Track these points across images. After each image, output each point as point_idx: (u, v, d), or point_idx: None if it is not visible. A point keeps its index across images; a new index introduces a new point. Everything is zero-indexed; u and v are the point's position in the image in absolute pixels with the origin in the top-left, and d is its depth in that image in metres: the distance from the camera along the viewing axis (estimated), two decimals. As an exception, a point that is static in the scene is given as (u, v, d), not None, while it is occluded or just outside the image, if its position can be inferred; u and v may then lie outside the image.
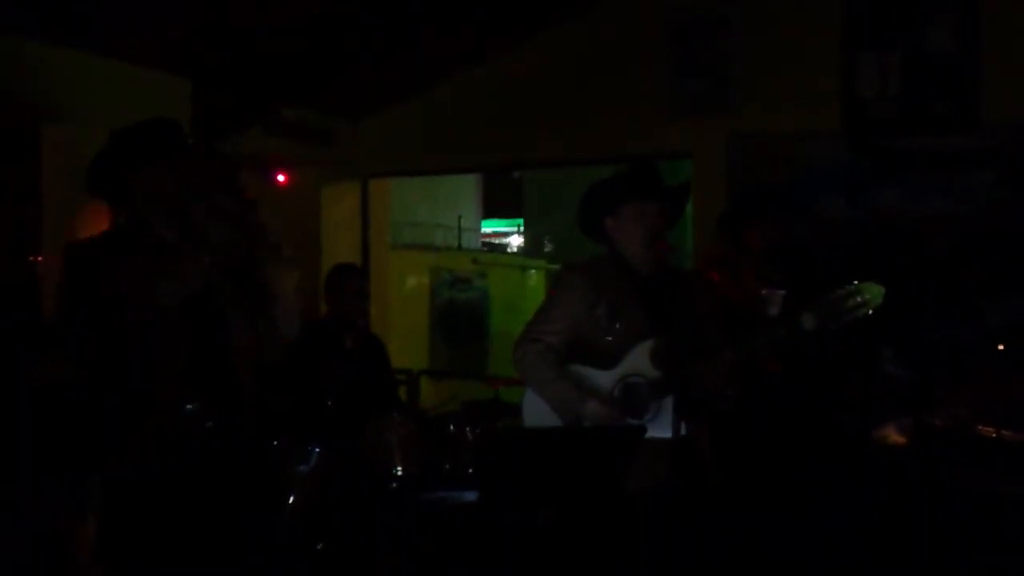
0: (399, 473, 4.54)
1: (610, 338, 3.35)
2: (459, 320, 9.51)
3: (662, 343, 3.28)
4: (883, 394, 4.68)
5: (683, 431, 3.15)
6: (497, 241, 12.59)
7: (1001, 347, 4.68)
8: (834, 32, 5.57)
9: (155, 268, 2.71)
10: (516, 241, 12.67)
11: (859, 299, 3.13)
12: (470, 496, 4.39)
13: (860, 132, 5.52)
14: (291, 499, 4.26)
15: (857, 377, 4.71)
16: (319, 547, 4.22)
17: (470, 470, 4.69)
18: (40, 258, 5.98)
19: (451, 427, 4.86)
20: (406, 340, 8.16)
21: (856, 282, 3.15)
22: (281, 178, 6.74)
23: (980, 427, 4.23)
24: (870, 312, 3.14)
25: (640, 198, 3.37)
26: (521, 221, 12.42)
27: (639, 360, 3.30)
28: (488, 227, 12.34)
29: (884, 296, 3.13)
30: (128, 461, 2.77)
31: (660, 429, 3.18)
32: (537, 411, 3.42)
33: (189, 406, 2.76)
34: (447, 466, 4.72)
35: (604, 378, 3.34)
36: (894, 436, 4.47)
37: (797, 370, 4.14)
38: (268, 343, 2.85)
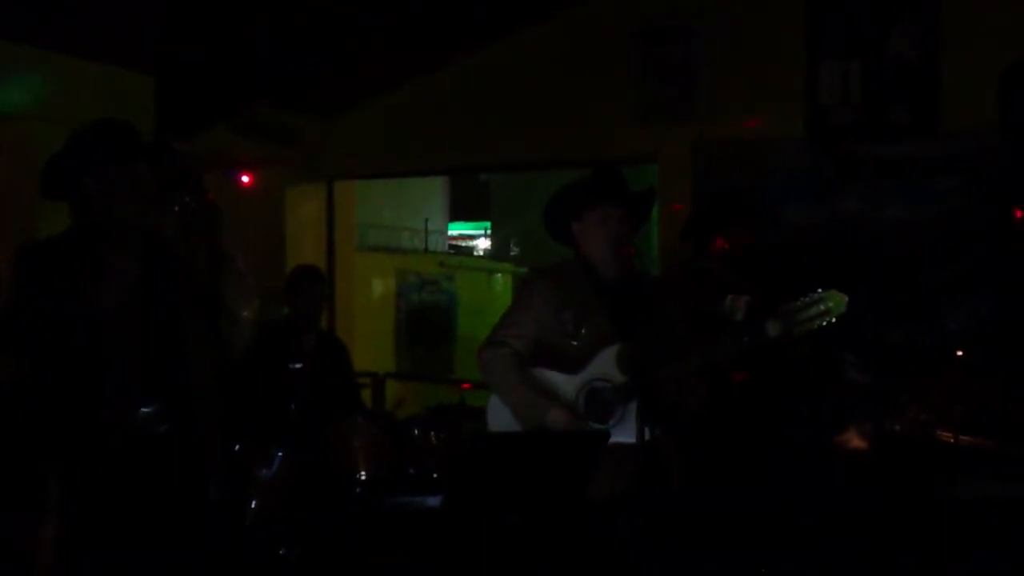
0: (363, 478, 4.51)
1: (575, 343, 3.37)
2: (426, 323, 9.49)
3: (628, 348, 3.29)
4: (844, 399, 4.72)
5: (648, 436, 3.14)
6: (464, 244, 12.57)
7: (960, 352, 4.73)
8: (797, 39, 5.62)
9: (93, 270, 2.70)
10: (483, 244, 12.66)
11: (822, 307, 3.15)
12: (434, 501, 4.38)
13: (822, 138, 5.58)
14: (253, 504, 4.22)
15: (819, 383, 4.74)
16: (282, 552, 4.18)
17: (435, 475, 4.67)
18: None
19: (416, 431, 4.85)
20: (372, 343, 8.12)
21: (820, 290, 3.17)
22: (245, 179, 6.68)
23: (940, 432, 4.27)
24: (833, 320, 3.16)
25: (605, 203, 3.39)
26: (488, 224, 12.41)
27: (605, 364, 3.31)
28: (455, 230, 12.31)
29: (846, 303, 3.15)
30: (83, 464, 2.74)
31: (625, 434, 3.20)
32: (502, 415, 3.43)
33: (144, 410, 2.74)
34: (411, 471, 4.70)
35: (569, 382, 3.35)
36: (855, 441, 4.50)
37: (762, 378, 4.16)
38: (221, 353, 2.83)
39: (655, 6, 5.92)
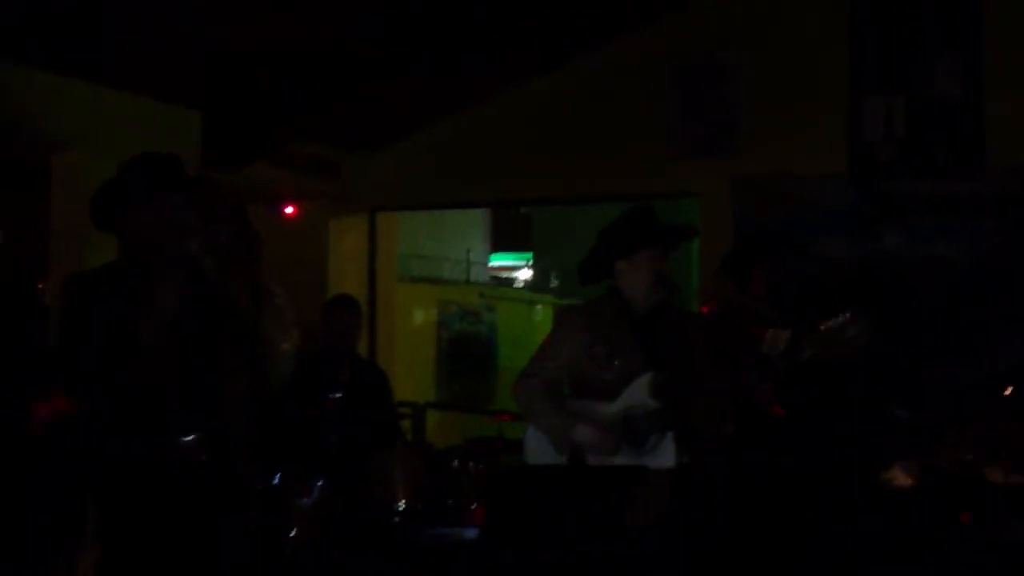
0: (402, 507, 4.52)
1: (609, 375, 3.50)
2: (466, 354, 9.50)
3: (662, 377, 3.43)
4: (889, 436, 4.67)
5: (684, 461, 3.33)
6: (505, 275, 12.57)
7: (1007, 391, 4.66)
8: (839, 76, 5.61)
9: (136, 301, 2.74)
10: (524, 275, 12.66)
11: (851, 331, 3.25)
12: (471, 533, 4.37)
13: (865, 175, 5.55)
14: (293, 533, 4.25)
15: (864, 420, 4.70)
16: (320, 581, 4.19)
17: (473, 506, 4.66)
18: (43, 285, 6.02)
19: (455, 462, 4.85)
20: (412, 373, 8.15)
21: (848, 313, 3.27)
22: (289, 210, 6.77)
23: (986, 470, 4.22)
24: (861, 342, 3.23)
25: (650, 246, 3.55)
26: (530, 255, 12.40)
27: (639, 393, 3.44)
28: (496, 260, 12.33)
29: (875, 329, 3.23)
30: (124, 493, 2.78)
31: (660, 459, 3.35)
32: (539, 445, 3.57)
33: (184, 439, 2.78)
34: (450, 501, 4.70)
35: (606, 410, 3.48)
36: (901, 478, 4.46)
37: (801, 413, 4.14)
38: (259, 387, 2.87)
39: (696, 43, 5.95)
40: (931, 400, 4.93)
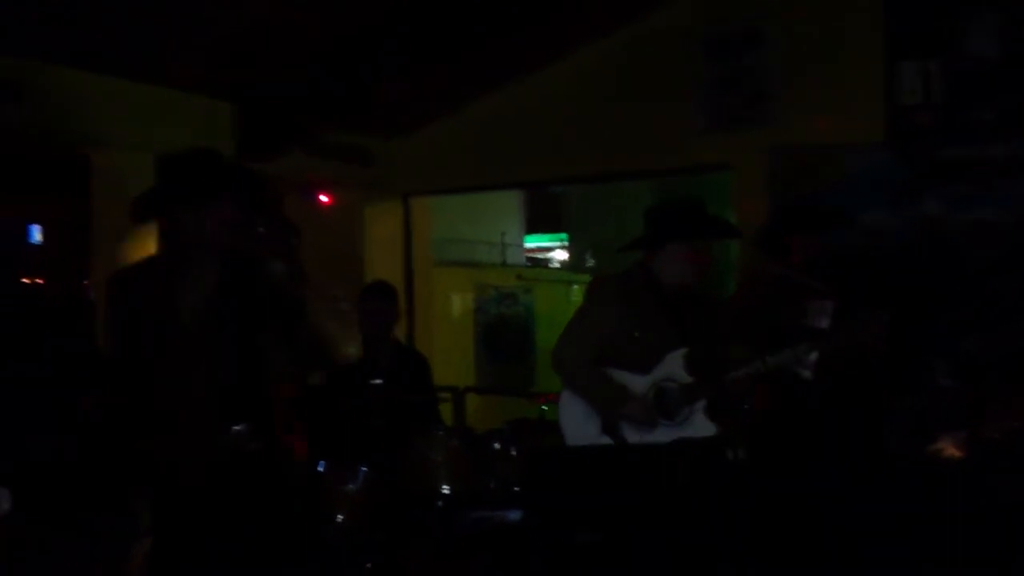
0: (445, 492, 4.54)
1: (640, 346, 3.58)
2: (504, 336, 9.49)
3: (695, 351, 3.54)
4: (936, 407, 4.62)
5: (715, 433, 3.49)
6: (541, 256, 12.54)
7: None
8: (873, 41, 5.51)
9: (181, 294, 2.76)
10: (561, 256, 12.62)
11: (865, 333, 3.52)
12: (514, 515, 4.39)
13: (903, 141, 5.45)
14: (339, 519, 4.29)
15: (911, 391, 4.66)
16: (368, 567, 4.23)
17: (516, 488, 4.68)
18: (89, 283, 6.10)
19: (496, 445, 4.86)
20: (451, 357, 8.16)
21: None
22: (324, 199, 6.80)
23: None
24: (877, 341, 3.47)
25: (696, 239, 3.64)
26: (565, 236, 12.37)
27: (673, 366, 3.55)
28: (532, 242, 12.30)
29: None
30: (177, 483, 2.81)
31: (692, 430, 3.50)
32: (574, 414, 3.64)
33: (235, 428, 2.80)
34: (492, 485, 4.71)
35: (638, 382, 3.57)
36: (949, 450, 4.41)
37: (845, 385, 4.11)
38: (304, 376, 2.90)
39: (725, 13, 5.88)
40: (977, 369, 4.85)
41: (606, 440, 3.55)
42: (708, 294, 3.83)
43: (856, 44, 5.59)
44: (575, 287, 10.45)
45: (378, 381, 4.71)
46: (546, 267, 11.73)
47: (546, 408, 5.38)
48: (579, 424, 3.61)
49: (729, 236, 4.02)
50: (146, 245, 5.11)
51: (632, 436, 3.53)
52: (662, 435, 3.50)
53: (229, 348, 2.87)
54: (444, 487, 4.54)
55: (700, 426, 3.50)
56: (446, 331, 8.36)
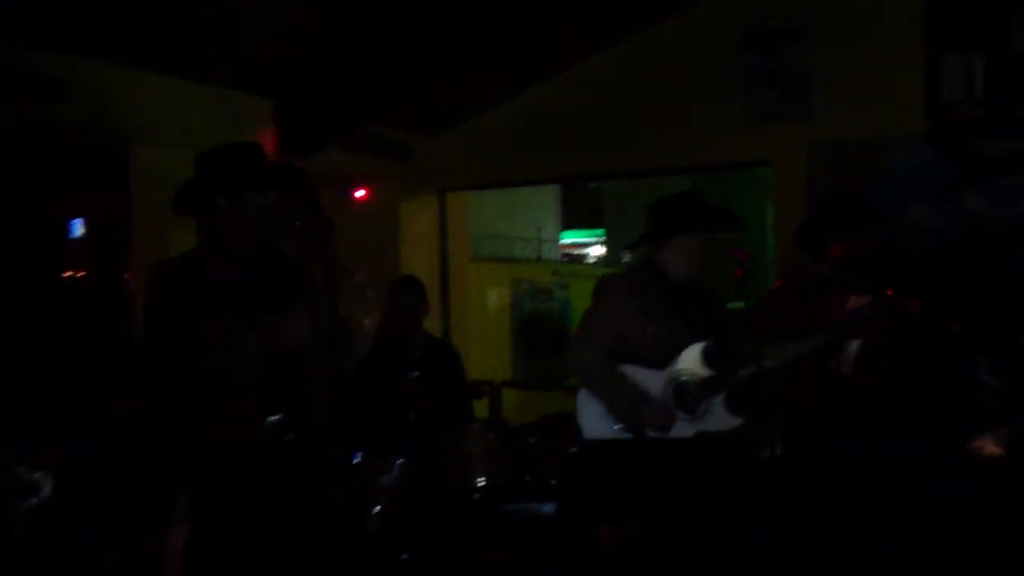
0: (480, 484, 4.55)
1: (655, 341, 3.61)
2: (540, 331, 9.50)
3: (713, 345, 3.57)
4: (978, 404, 4.56)
5: (735, 426, 3.53)
6: (577, 252, 12.54)
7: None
8: (914, 35, 5.46)
9: (220, 285, 2.77)
10: (596, 252, 12.61)
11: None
12: (549, 508, 4.39)
13: (945, 136, 5.39)
14: (375, 510, 4.32)
15: (953, 388, 4.60)
16: (403, 558, 4.26)
17: (552, 482, 4.68)
18: (130, 276, 6.18)
19: (531, 439, 4.86)
20: (487, 352, 8.18)
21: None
22: (360, 194, 6.84)
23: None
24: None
25: (702, 231, 3.68)
26: (602, 232, 12.35)
27: (690, 361, 3.58)
28: (568, 238, 12.30)
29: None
30: (213, 474, 2.84)
31: (711, 424, 3.54)
32: (592, 410, 3.69)
33: (271, 419, 2.83)
34: (527, 478, 4.71)
35: (655, 377, 3.60)
36: (991, 447, 4.35)
37: (891, 383, 4.06)
38: (340, 366, 2.91)
39: (767, 5, 5.84)
40: (1021, 365, 4.78)
41: (624, 435, 3.58)
42: (710, 287, 3.85)
43: (897, 38, 5.53)
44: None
45: (416, 374, 4.75)
46: (582, 263, 11.73)
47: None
48: (597, 421, 3.65)
49: (732, 228, 3.98)
50: (185, 241, 5.19)
51: (652, 431, 3.55)
52: (681, 430, 3.53)
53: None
54: (479, 479, 4.55)
55: (719, 420, 3.54)
56: (482, 326, 8.38)
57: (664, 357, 3.60)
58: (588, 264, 11.81)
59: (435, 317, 6.60)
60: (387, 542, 4.26)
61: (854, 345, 3.82)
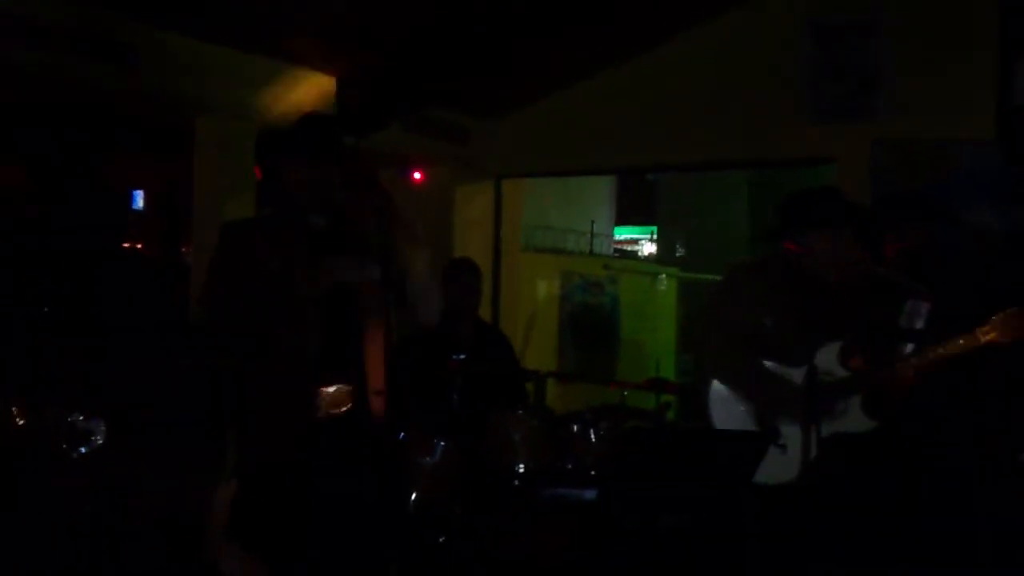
0: (521, 470, 4.55)
1: (791, 337, 3.44)
2: (589, 325, 9.47)
3: (851, 344, 3.41)
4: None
5: (871, 428, 3.36)
6: (629, 248, 12.50)
7: None
8: (987, 37, 5.34)
9: (302, 257, 2.78)
10: (648, 248, 12.56)
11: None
12: (591, 494, 4.37)
13: (1014, 141, 5.27)
14: (416, 492, 4.32)
15: (1007, 399, 4.51)
16: (442, 540, 4.26)
17: (592, 472, 4.66)
18: (188, 249, 6.27)
19: (575, 427, 4.84)
20: (535, 343, 8.15)
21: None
22: (417, 176, 6.86)
23: None
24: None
25: (839, 225, 3.50)
26: (654, 229, 12.30)
27: (827, 359, 3.41)
28: (621, 234, 12.27)
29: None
30: (265, 444, 2.85)
31: (848, 425, 3.39)
32: (728, 408, 3.52)
33: (325, 389, 2.83)
34: (569, 465, 4.70)
35: (792, 376, 3.43)
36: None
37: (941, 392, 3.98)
38: (400, 329, 2.90)
39: (837, 0, 5.75)
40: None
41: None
42: (850, 283, 3.63)
43: (970, 39, 5.42)
44: (662, 277, 10.39)
45: (461, 356, 4.74)
46: (633, 258, 11.69)
47: (626, 395, 5.35)
48: (732, 420, 3.51)
49: (869, 226, 3.85)
50: (242, 212, 5.24)
51: (789, 426, 3.39)
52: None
53: (330, 315, 2.90)
54: (521, 465, 4.54)
55: (856, 421, 3.40)
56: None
57: (803, 355, 3.39)
58: (639, 260, 11.76)
59: (485, 305, 6.59)
60: (425, 525, 4.27)
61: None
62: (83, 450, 2.12)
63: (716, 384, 3.58)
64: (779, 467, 3.34)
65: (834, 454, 3.30)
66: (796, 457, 3.29)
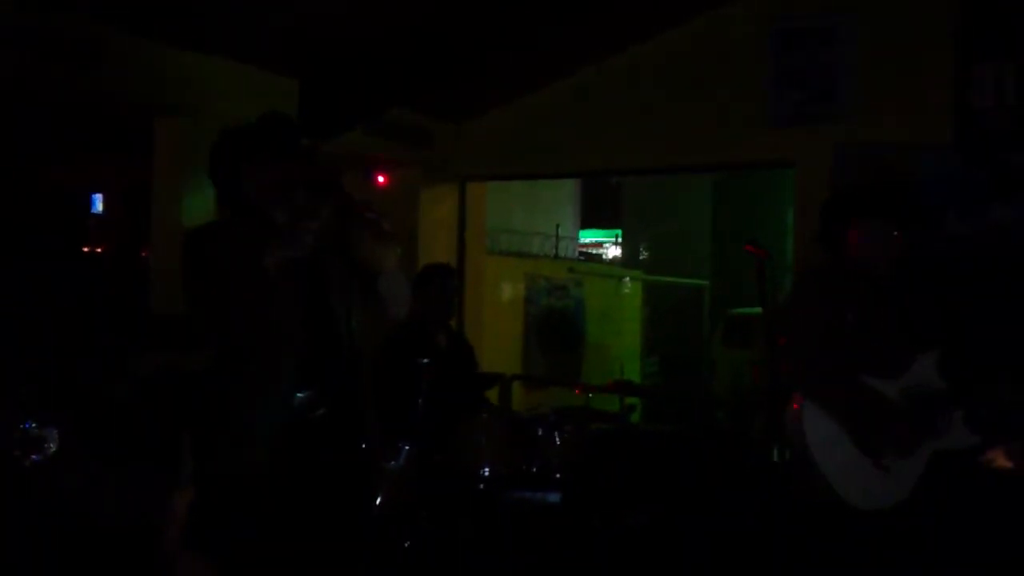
0: (486, 473, 4.53)
1: (884, 347, 3.22)
2: (554, 328, 9.49)
3: (950, 353, 3.21)
4: (993, 416, 4.50)
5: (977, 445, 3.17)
6: (594, 251, 12.55)
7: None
8: (945, 42, 5.41)
9: (263, 240, 2.74)
10: (613, 252, 12.62)
11: None
12: (554, 497, 4.37)
13: (974, 145, 5.33)
14: (380, 495, 4.29)
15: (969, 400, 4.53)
16: (406, 544, 4.24)
17: (557, 475, 4.65)
18: (147, 252, 6.19)
19: (540, 431, 4.84)
20: (500, 345, 8.17)
21: None
22: (381, 179, 6.83)
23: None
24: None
25: (884, 216, 3.34)
26: (619, 232, 12.36)
27: (924, 370, 3.21)
28: (586, 237, 12.31)
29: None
30: (240, 448, 2.81)
31: (951, 442, 3.16)
32: (822, 425, 3.18)
33: (299, 395, 2.80)
34: (534, 468, 4.69)
35: (887, 388, 3.19)
36: (1000, 460, 4.29)
37: None
38: (375, 327, 2.85)
39: (796, 5, 5.80)
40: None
41: (866, 462, 3.12)
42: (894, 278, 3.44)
43: (928, 43, 5.48)
44: (626, 280, 10.43)
45: (425, 360, 4.72)
46: (598, 261, 11.73)
47: (591, 397, 5.36)
48: (831, 443, 3.15)
49: (919, 220, 3.73)
50: (200, 214, 5.19)
51: (891, 452, 3.15)
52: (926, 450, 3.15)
53: (307, 318, 2.86)
54: (486, 468, 4.52)
55: (960, 438, 3.16)
56: (496, 319, 8.37)
57: (898, 367, 3.19)
58: (604, 263, 11.80)
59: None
60: (390, 528, 4.24)
61: None
62: (36, 458, 2.08)
63: (811, 410, 3.20)
64: (882, 490, 3.13)
65: (941, 476, 3.12)
66: (900, 479, 3.11)
